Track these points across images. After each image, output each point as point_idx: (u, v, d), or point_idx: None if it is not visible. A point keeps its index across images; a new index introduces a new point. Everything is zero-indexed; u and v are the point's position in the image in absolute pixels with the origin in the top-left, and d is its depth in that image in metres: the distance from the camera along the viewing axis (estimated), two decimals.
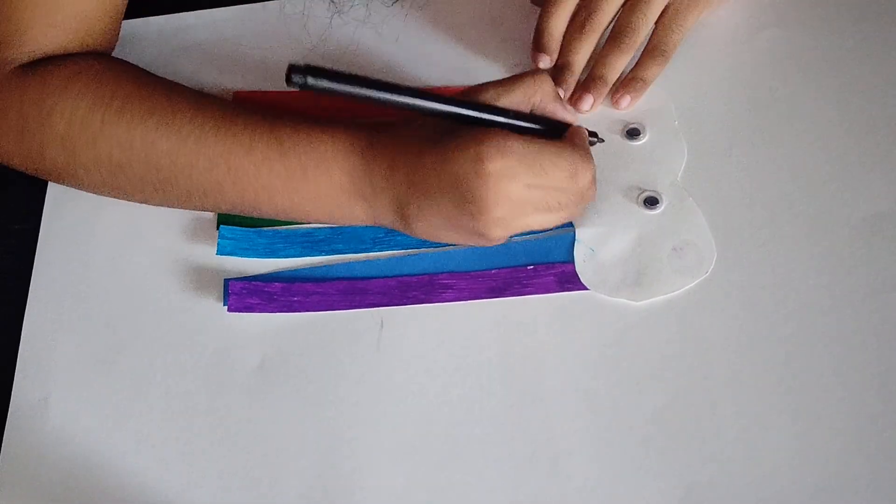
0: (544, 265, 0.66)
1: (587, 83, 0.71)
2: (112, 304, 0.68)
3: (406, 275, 0.67)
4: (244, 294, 0.66)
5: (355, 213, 0.64)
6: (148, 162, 0.64)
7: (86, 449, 0.63)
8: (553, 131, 0.63)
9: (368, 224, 0.65)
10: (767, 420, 0.60)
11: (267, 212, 0.65)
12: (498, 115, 0.60)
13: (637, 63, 0.72)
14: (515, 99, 0.61)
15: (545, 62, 0.72)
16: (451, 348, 0.64)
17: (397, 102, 0.57)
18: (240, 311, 0.66)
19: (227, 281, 0.67)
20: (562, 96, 0.70)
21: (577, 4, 0.71)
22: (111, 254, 0.70)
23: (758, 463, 0.59)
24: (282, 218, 0.66)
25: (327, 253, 0.68)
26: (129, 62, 0.69)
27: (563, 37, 0.72)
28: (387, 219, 0.64)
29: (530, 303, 0.65)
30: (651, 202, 0.67)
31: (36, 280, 0.69)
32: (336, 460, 0.62)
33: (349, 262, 0.68)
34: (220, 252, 0.68)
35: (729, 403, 0.61)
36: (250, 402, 0.64)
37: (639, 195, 0.68)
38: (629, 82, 0.71)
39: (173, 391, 0.65)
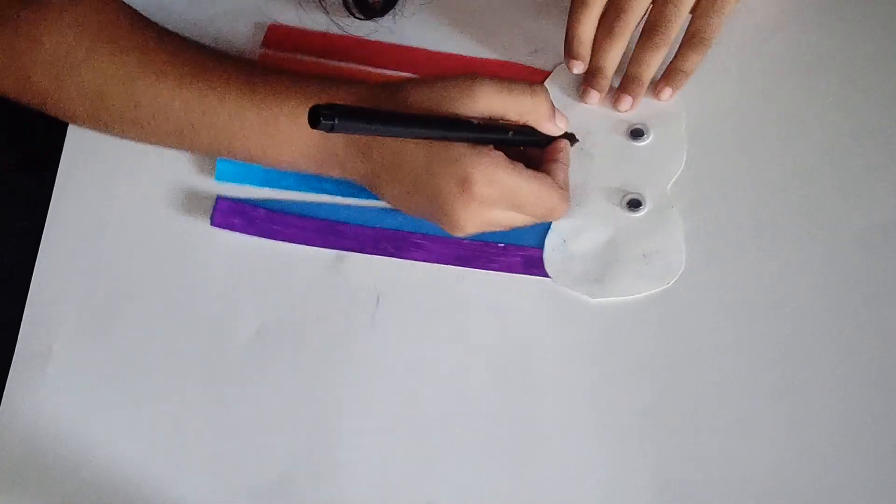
0: (515, 246, 0.67)
1: (624, 84, 0.71)
2: (115, 271, 0.69)
3: (383, 227, 0.69)
4: (229, 213, 0.69)
5: (324, 168, 0.66)
6: (127, 96, 0.66)
7: (83, 405, 0.65)
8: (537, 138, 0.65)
9: (338, 177, 0.67)
10: (753, 422, 0.61)
11: (241, 157, 0.67)
12: (494, 132, 0.62)
13: (676, 54, 0.71)
14: (510, 111, 0.63)
15: (579, 68, 0.71)
16: (444, 329, 0.65)
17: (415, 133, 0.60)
18: (222, 228, 0.69)
19: (218, 197, 0.70)
20: (598, 99, 0.71)
21: (606, 4, 0.70)
22: (123, 216, 0.70)
23: (742, 463, 0.60)
24: (257, 163, 0.68)
25: (317, 191, 0.70)
26: (127, 3, 0.70)
27: (594, 39, 0.71)
28: (355, 178, 0.66)
29: (529, 291, 0.66)
30: (634, 205, 0.68)
31: (46, 242, 0.69)
32: (323, 432, 0.63)
33: (333, 205, 0.70)
34: (219, 177, 0.71)
35: (714, 403, 0.62)
36: (244, 370, 0.65)
37: (623, 196, 0.68)
38: (669, 74, 0.71)
39: (170, 355, 0.66)
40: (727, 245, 0.66)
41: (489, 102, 0.61)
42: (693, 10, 0.70)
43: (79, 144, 0.72)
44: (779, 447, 0.60)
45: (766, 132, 0.70)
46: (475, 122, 0.61)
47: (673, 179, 0.69)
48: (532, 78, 0.73)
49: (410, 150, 0.62)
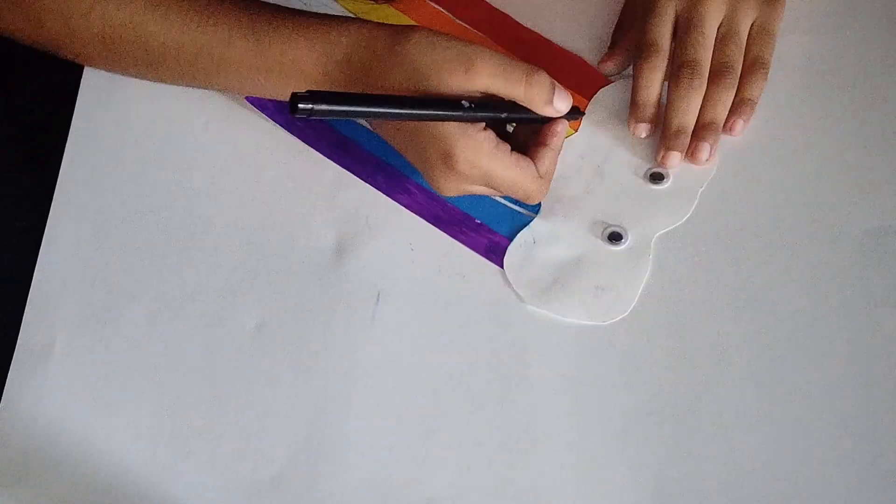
0: (489, 228, 0.69)
1: (699, 132, 0.70)
2: (116, 270, 0.69)
3: (388, 163, 0.72)
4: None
5: None
6: (137, 42, 0.68)
7: (83, 403, 0.65)
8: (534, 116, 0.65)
9: None
10: (752, 424, 0.62)
11: (258, 95, 0.71)
12: (487, 111, 0.63)
13: (739, 84, 0.70)
14: (505, 93, 0.63)
15: (646, 131, 0.71)
16: (444, 326, 0.66)
17: (402, 115, 0.61)
18: (255, 105, 0.74)
19: None
20: (680, 159, 0.70)
21: (674, 61, 0.70)
22: (123, 216, 0.71)
23: (739, 465, 0.61)
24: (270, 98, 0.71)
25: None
26: None
27: (672, 99, 0.70)
28: None
29: None
30: (614, 238, 0.68)
31: (47, 241, 0.70)
32: (323, 430, 0.63)
33: (356, 126, 0.73)
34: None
35: (712, 404, 0.62)
36: (245, 367, 0.65)
37: (607, 227, 0.68)
38: (738, 106, 0.70)
39: (171, 349, 0.66)
40: (727, 243, 0.67)
41: (485, 81, 0.62)
42: None
43: (80, 144, 0.73)
44: (778, 452, 0.61)
45: (768, 131, 0.70)
46: (466, 104, 0.62)
47: (663, 231, 0.68)
48: (594, 82, 0.74)
49: None
